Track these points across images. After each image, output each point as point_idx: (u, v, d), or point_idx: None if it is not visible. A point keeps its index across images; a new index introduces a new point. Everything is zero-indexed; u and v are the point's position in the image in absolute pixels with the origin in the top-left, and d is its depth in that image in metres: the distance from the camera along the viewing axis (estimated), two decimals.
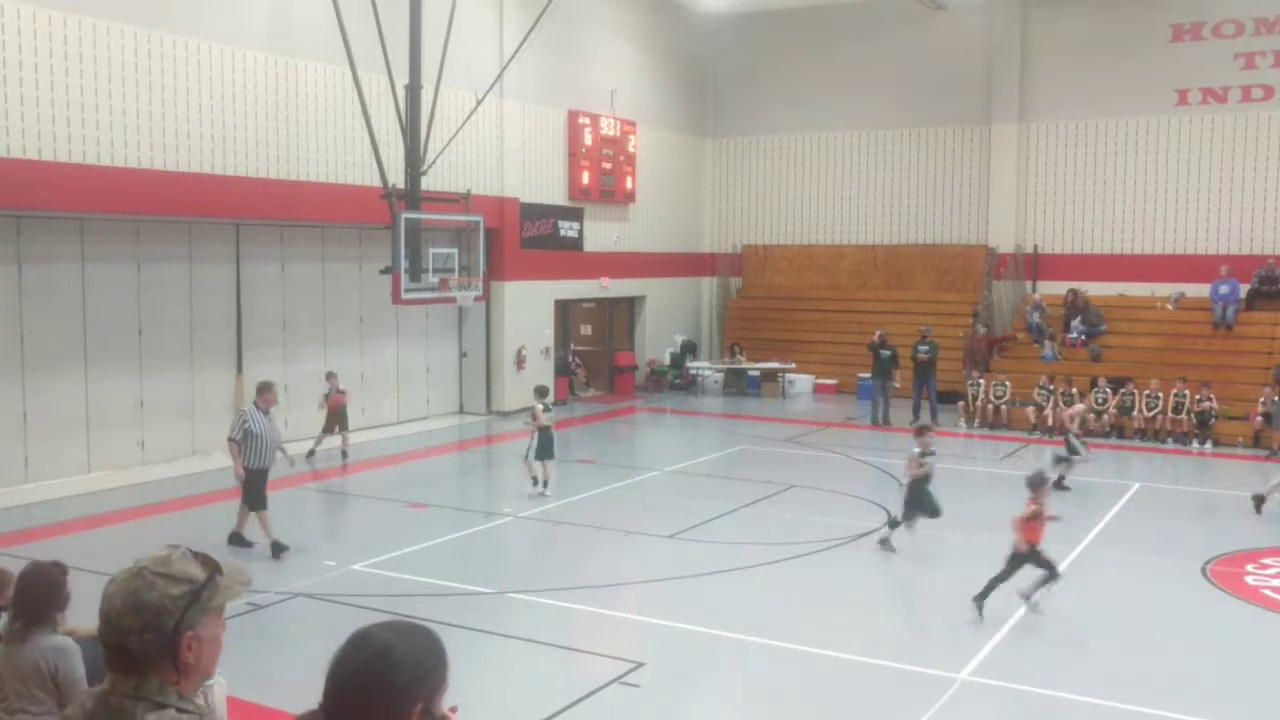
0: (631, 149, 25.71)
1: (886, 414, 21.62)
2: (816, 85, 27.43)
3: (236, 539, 12.10)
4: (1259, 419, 19.32)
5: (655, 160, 26.91)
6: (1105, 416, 20.61)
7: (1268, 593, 11.16)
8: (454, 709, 2.33)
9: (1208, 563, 12.04)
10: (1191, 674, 9.06)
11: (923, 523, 12.57)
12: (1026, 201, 25.50)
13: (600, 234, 25.18)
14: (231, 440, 11.99)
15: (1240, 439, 19.68)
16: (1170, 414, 20.13)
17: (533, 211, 22.98)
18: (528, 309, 22.98)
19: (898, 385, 21.94)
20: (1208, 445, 19.59)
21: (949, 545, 12.65)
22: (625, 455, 19.84)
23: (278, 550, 11.83)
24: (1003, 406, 21.53)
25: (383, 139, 17.42)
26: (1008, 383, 21.69)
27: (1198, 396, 19.89)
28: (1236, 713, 8.20)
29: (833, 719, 8.07)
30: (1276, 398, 18.94)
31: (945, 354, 22.38)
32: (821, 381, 25.82)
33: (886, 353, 21.86)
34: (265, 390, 12.33)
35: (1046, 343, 23.23)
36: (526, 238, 22.85)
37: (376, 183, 17.39)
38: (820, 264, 27.76)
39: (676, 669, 8.98)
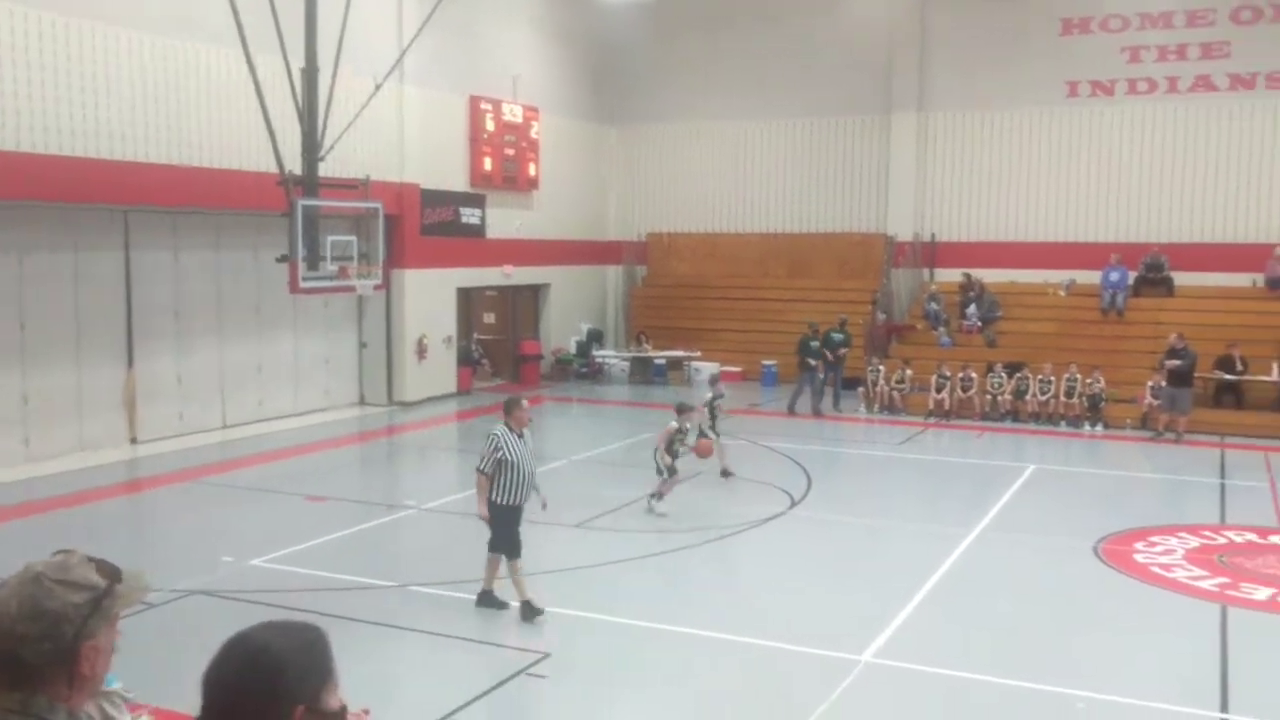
0: (534, 135, 25.51)
1: (794, 401, 21.75)
2: (719, 73, 27.55)
3: (487, 599, 9.86)
4: (1147, 402, 19.99)
5: (558, 147, 26.74)
6: (1001, 400, 21.15)
7: (1156, 569, 11.54)
8: (366, 711, 2.25)
9: (1099, 541, 12.41)
10: (1084, 650, 9.31)
11: (830, 506, 12.72)
12: (925, 190, 25.97)
13: (503, 221, 24.94)
14: (481, 473, 9.63)
15: (1129, 421, 20.34)
16: (1063, 397, 20.71)
17: (434, 198, 22.65)
18: (429, 297, 22.67)
19: (823, 376, 21.89)
20: (1098, 427, 20.21)
21: (853, 528, 12.82)
22: (534, 445, 19.70)
23: (530, 613, 9.55)
24: (899, 393, 21.92)
25: (279, 124, 16.92)
26: (909, 370, 22.08)
27: (1088, 380, 20.51)
28: (1127, 686, 8.45)
29: (739, 704, 8.10)
30: (1161, 383, 19.61)
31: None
32: (727, 369, 25.97)
33: (815, 343, 21.97)
34: (516, 408, 9.92)
35: (943, 329, 23.72)
36: (427, 225, 22.52)
37: (273, 169, 16.92)
38: (724, 252, 27.92)
39: (584, 659, 8.93)
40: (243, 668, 2.10)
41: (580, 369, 26.59)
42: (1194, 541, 12.60)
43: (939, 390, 21.35)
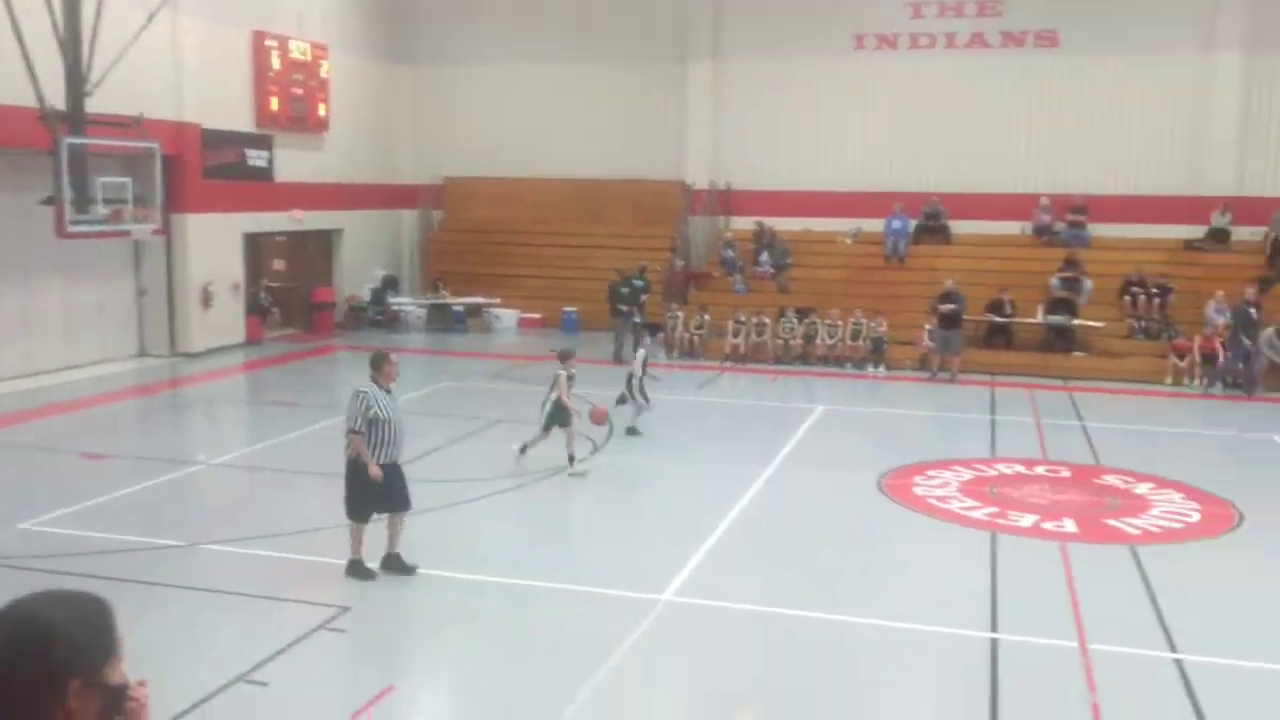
0: (324, 75, 24.53)
1: (619, 350, 21.71)
2: (514, 16, 27.14)
3: (394, 562, 9.46)
4: (925, 344, 21.11)
5: (349, 87, 25.82)
6: (792, 344, 21.92)
7: (933, 501, 12.27)
8: (141, 682, 2.13)
9: (882, 476, 13.08)
10: (870, 579, 9.83)
11: (632, 450, 12.90)
12: (720, 138, 26.40)
13: (292, 164, 23.96)
14: (355, 433, 9.18)
15: (908, 362, 21.46)
16: (849, 341, 21.64)
17: (217, 139, 21.51)
18: (214, 243, 21.60)
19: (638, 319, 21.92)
20: (881, 369, 21.23)
21: (653, 472, 13.07)
22: (325, 395, 19.13)
23: (400, 568, 9.40)
24: (698, 338, 22.41)
25: (39, 54, 15.67)
26: (707, 316, 22.55)
27: (873, 324, 21.49)
28: (908, 612, 8.98)
29: (538, 649, 8.18)
30: (932, 326, 20.76)
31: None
32: (527, 316, 25.91)
33: (626, 289, 22.00)
34: (384, 362, 9.47)
35: (738, 276, 24.33)
36: (210, 167, 21.39)
37: (33, 102, 15.67)
38: (523, 198, 27.70)
39: (384, 611, 8.81)
40: (8, 639, 1.98)
41: (375, 317, 25.96)
42: (967, 474, 13.45)
43: (735, 335, 21.93)
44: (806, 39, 25.39)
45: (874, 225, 24.69)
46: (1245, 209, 23.07)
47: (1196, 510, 12.08)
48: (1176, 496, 12.58)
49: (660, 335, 22.51)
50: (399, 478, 9.46)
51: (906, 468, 13.58)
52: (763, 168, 26.11)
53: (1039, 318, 21.71)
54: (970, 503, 12.19)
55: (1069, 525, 11.39)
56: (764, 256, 24.61)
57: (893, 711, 7.31)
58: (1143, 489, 12.90)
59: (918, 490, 12.71)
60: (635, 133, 26.93)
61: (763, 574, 9.83)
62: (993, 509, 11.93)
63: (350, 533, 9.43)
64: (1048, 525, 11.35)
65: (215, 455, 13.71)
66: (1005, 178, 24.62)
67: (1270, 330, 19.89)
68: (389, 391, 9.42)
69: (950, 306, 20.56)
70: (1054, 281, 22.29)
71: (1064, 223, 23.88)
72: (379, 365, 9.50)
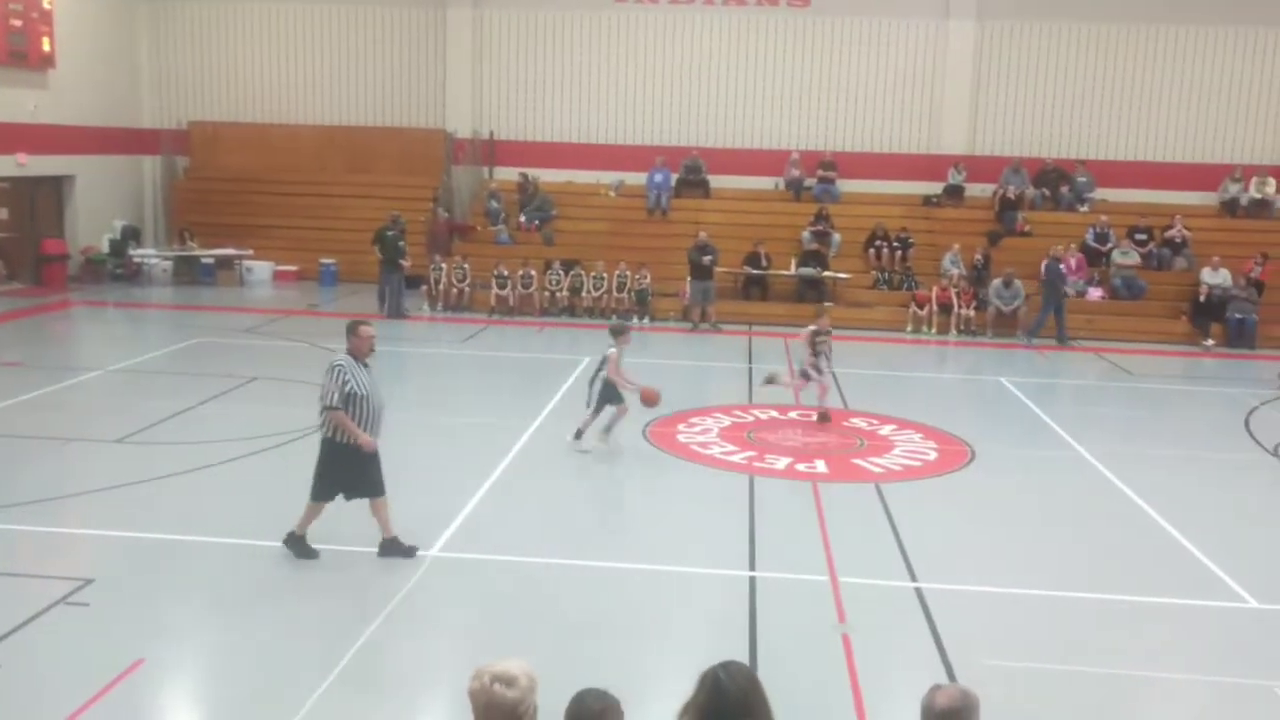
0: (47, 5, 22.53)
1: (398, 304, 21.15)
2: None
3: (299, 545, 8.81)
4: (687, 296, 21.62)
5: (78, 20, 23.85)
6: (559, 296, 22.00)
7: (695, 448, 12.65)
8: None
9: (647, 425, 13.36)
10: (636, 526, 10.06)
11: (395, 405, 12.58)
12: (483, 87, 26.00)
13: (12, 103, 21.96)
14: (333, 409, 8.44)
15: (672, 314, 21.95)
16: (614, 293, 21.90)
17: None
18: None
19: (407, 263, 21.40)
20: (646, 320, 21.62)
21: (418, 426, 12.83)
22: (59, 355, 17.83)
23: (402, 551, 8.81)
24: (465, 289, 22.16)
25: None
26: (467, 265, 22.29)
27: (637, 276, 21.83)
28: (674, 555, 9.26)
29: (298, 616, 7.94)
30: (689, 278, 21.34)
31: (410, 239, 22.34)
32: (282, 268, 24.86)
33: (392, 233, 21.30)
34: (358, 333, 8.65)
35: (502, 227, 24.14)
36: None
37: None
38: (277, 144, 26.42)
39: (132, 581, 8.32)
40: None
41: (115, 270, 24.28)
42: (727, 421, 13.94)
43: (501, 288, 21.80)
44: None
45: (637, 178, 25.00)
46: (978, 167, 24.74)
47: (934, 449, 12.97)
48: (916, 437, 13.47)
49: (423, 288, 22.09)
50: (375, 461, 8.74)
51: (670, 416, 13.91)
52: (526, 118, 25.93)
53: (792, 270, 22.62)
54: (730, 448, 12.64)
55: (820, 466, 12.01)
56: (528, 208, 24.52)
57: (656, 652, 7.52)
58: (886, 430, 13.73)
59: (681, 438, 13.07)
60: (396, 79, 26.18)
61: (531, 525, 9.88)
62: (751, 453, 12.41)
63: (306, 508, 8.78)
64: (801, 467, 11.92)
65: None
66: (761, 134, 25.42)
67: (998, 281, 21.48)
68: (366, 366, 8.68)
69: (709, 258, 21.16)
70: (805, 235, 23.27)
71: (815, 178, 24.91)
72: (351, 335, 8.67)
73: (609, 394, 12.25)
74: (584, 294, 22.04)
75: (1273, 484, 12.47)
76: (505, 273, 21.86)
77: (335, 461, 8.62)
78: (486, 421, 13.53)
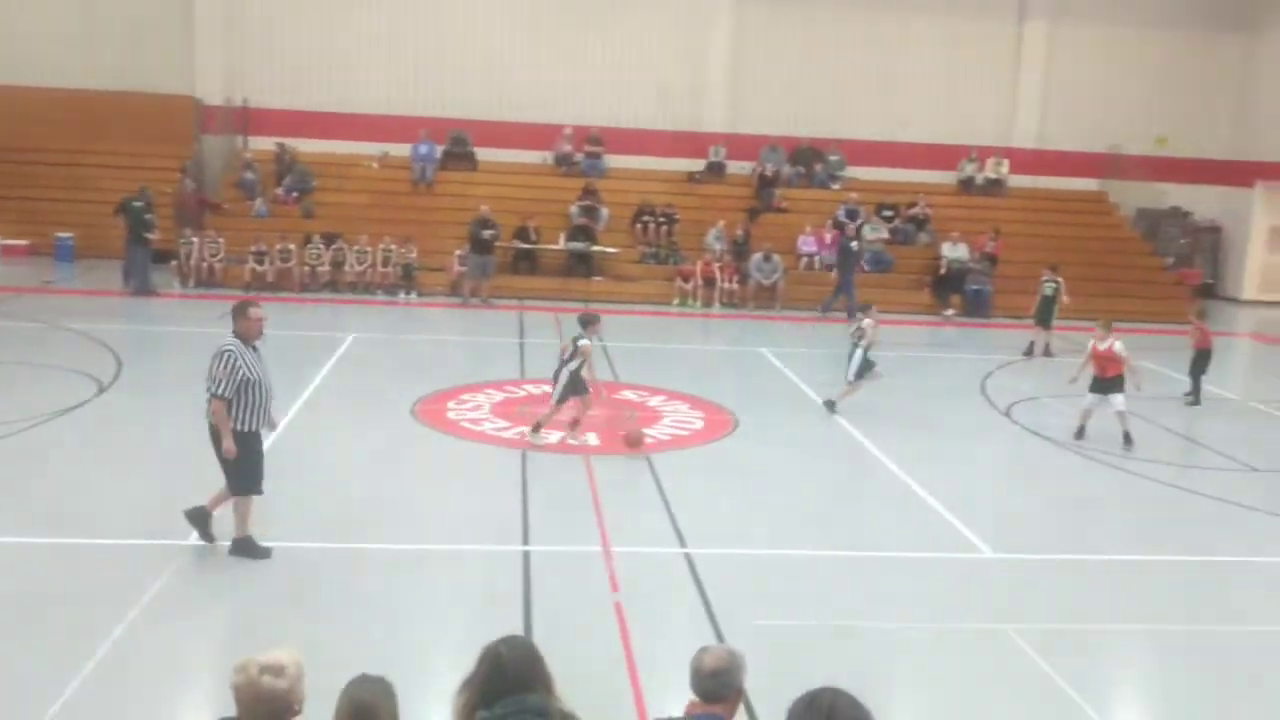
0: None
1: (145, 280, 19.80)
2: None
3: (247, 546, 8.28)
4: (456, 270, 21.34)
5: None
6: (320, 271, 21.26)
7: (466, 425, 12.53)
8: None
9: (416, 403, 13.13)
10: (407, 505, 9.87)
11: (143, 390, 11.89)
12: (235, 51, 24.66)
13: None
14: (220, 399, 7.96)
15: (440, 288, 21.62)
16: (379, 267, 21.36)
17: None
18: None
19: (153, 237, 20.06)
20: (413, 295, 21.21)
21: (167, 409, 12.12)
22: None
23: (256, 552, 8.26)
24: (218, 264, 21.07)
25: None
26: (221, 240, 21.21)
27: (402, 250, 21.37)
28: (447, 534, 9.16)
29: (48, 610, 7.39)
30: (464, 251, 21.07)
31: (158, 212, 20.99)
32: (9, 243, 22.88)
33: (138, 204, 19.87)
34: (246, 314, 8.16)
35: (260, 200, 23.08)
36: None
37: None
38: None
39: None
40: None
41: None
42: (499, 396, 13.87)
43: (259, 262, 20.86)
44: None
45: (401, 150, 24.42)
46: (738, 145, 25.50)
47: (700, 419, 13.34)
48: (684, 407, 13.82)
49: (173, 264, 20.89)
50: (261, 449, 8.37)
51: (440, 393, 13.72)
52: (283, 86, 24.80)
53: (561, 244, 22.70)
54: (502, 424, 12.58)
55: (592, 439, 12.12)
56: (286, 179, 23.54)
57: (431, 632, 7.42)
58: (655, 401, 14.02)
59: (451, 415, 12.91)
60: (137, 39, 24.43)
61: (296, 510, 9.52)
62: (523, 428, 12.39)
63: (235, 509, 8.25)
64: (573, 440, 12.00)
65: None
66: (529, 107, 25.29)
67: (758, 255, 22.26)
68: (255, 349, 8.19)
69: (491, 232, 20.97)
70: (574, 209, 23.38)
71: (583, 153, 25.04)
72: (236, 319, 8.19)
73: (576, 386, 11.81)
74: (346, 268, 21.38)
75: (1005, 442, 13.52)
76: (264, 248, 20.93)
77: (250, 449, 8.22)
78: None
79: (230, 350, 8.06)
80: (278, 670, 3.37)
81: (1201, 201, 27.14)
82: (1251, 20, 26.59)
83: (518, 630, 7.00)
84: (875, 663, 7.30)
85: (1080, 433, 13.17)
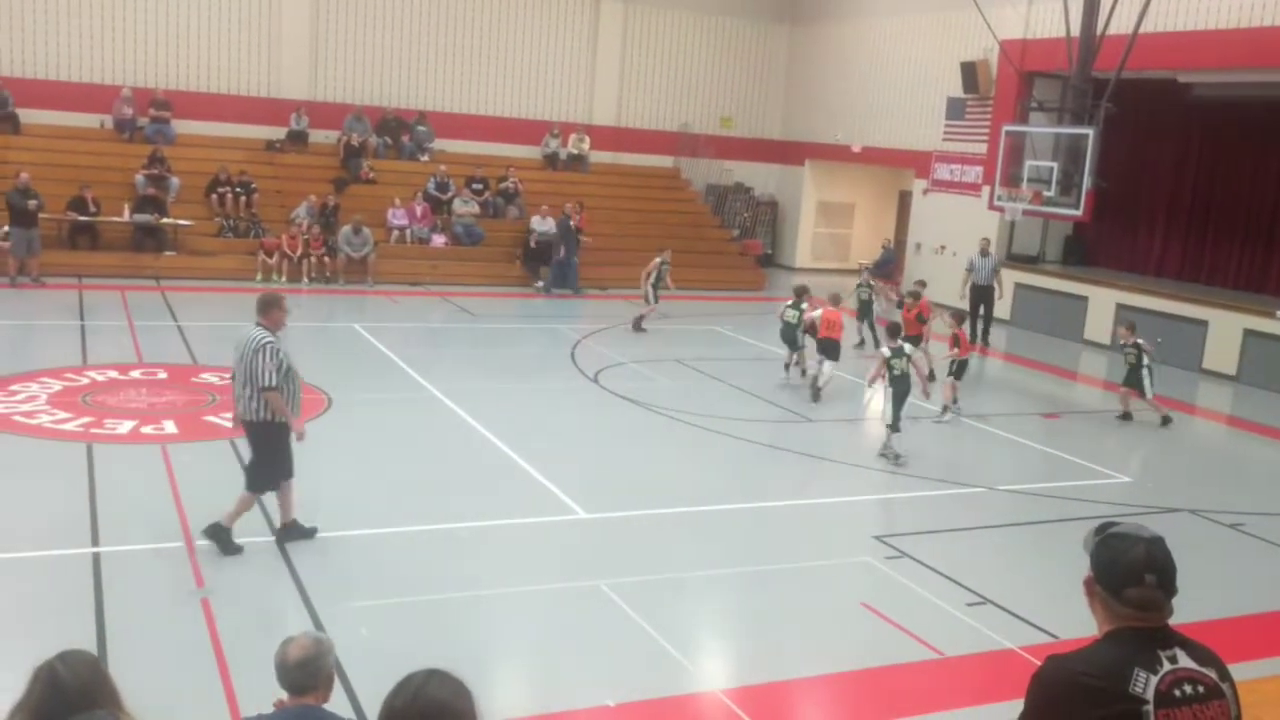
0: None
1: None
2: None
3: (223, 537, 8.12)
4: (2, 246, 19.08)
5: None
6: None
7: (19, 418, 11.25)
8: None
9: None
10: None
11: None
12: None
13: None
14: (273, 390, 8.00)
15: None
16: None
17: None
18: None
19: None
20: None
21: None
22: None
23: (303, 534, 8.45)
24: None
25: None
26: None
27: None
28: (2, 538, 8.22)
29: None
30: (9, 226, 18.86)
31: None
32: None
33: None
34: (277, 307, 8.29)
35: None
36: None
37: None
38: None
39: None
40: None
41: None
42: (57, 385, 12.56)
43: None
44: None
45: None
46: (321, 113, 24.61)
47: None
48: None
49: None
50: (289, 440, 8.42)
51: None
52: None
53: (126, 216, 20.86)
54: (62, 415, 11.42)
55: (170, 427, 11.31)
56: None
57: None
58: None
59: (1, 409, 11.54)
60: None
61: None
62: (88, 419, 11.33)
63: (239, 502, 8.24)
64: (147, 429, 11.14)
65: None
66: (82, 65, 22.96)
67: (347, 228, 21.65)
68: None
69: (34, 202, 18.81)
70: (140, 179, 21.54)
71: (148, 118, 23.12)
72: (269, 310, 8.24)
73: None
74: None
75: (593, 405, 14.12)
76: None
77: (280, 445, 8.26)
78: None
79: (272, 341, 8.13)
80: None
81: (761, 178, 29.72)
82: (793, 13, 29.37)
83: (90, 641, 6.43)
84: (474, 632, 7.40)
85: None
